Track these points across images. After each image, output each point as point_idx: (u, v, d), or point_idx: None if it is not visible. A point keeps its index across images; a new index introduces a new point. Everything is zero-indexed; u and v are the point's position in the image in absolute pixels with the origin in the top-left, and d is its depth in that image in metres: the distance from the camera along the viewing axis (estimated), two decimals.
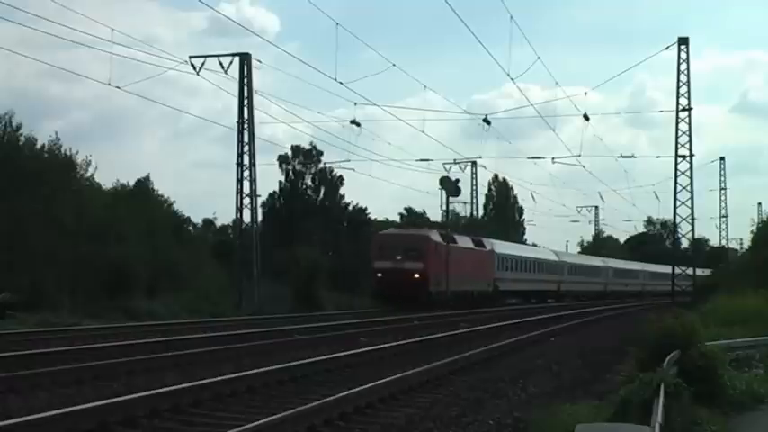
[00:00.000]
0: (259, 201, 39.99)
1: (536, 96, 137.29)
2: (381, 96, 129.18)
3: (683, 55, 45.77)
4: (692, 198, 47.47)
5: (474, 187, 66.18)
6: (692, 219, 48.33)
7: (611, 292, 70.76)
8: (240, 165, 38.92)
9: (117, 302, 27.51)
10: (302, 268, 38.80)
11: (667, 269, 54.04)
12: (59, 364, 13.14)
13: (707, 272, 56.00)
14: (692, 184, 47.11)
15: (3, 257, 26.03)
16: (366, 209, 60.48)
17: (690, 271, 51.17)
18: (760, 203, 76.57)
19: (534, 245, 78.00)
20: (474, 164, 62.96)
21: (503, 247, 52.07)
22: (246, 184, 38.35)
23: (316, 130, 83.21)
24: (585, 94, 65.66)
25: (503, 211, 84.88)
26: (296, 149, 63.14)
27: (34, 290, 25.80)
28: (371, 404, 10.51)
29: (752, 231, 44.71)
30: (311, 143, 61.95)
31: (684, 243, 53.89)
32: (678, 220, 48.82)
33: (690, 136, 46.53)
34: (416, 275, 37.03)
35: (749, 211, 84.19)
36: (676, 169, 47.09)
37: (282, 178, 62.95)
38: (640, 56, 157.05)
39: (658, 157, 71.89)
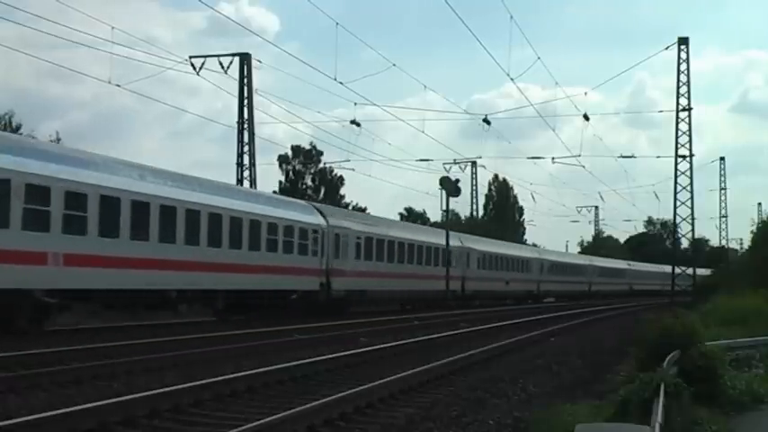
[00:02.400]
0: None
1: (536, 96, 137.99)
2: (381, 96, 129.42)
3: (683, 55, 46.00)
4: (692, 198, 47.66)
5: (474, 187, 66.47)
6: (692, 219, 48.55)
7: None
8: (240, 165, 39.03)
9: None
10: None
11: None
12: (59, 364, 13.15)
13: (707, 272, 56.15)
14: (691, 184, 47.32)
15: None
16: (366, 209, 60.59)
17: (690, 271, 51.29)
18: (760, 203, 77.10)
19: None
20: (474, 164, 63.30)
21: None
22: (246, 184, 38.41)
23: (316, 130, 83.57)
24: (585, 94, 66.64)
25: (503, 211, 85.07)
26: (296, 149, 63.39)
27: None
28: (371, 404, 10.50)
29: (752, 231, 44.87)
30: (311, 143, 62.20)
31: (684, 243, 54.09)
32: (678, 220, 49.00)
33: (690, 136, 46.75)
34: None
35: (749, 211, 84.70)
36: (676, 169, 47.29)
37: (282, 178, 63.17)
38: (640, 56, 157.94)
39: (658, 157, 72.52)
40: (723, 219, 74.25)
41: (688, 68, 46.11)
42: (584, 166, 48.99)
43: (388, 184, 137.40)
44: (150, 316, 23.67)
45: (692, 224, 48.94)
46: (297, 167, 64.10)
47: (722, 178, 73.58)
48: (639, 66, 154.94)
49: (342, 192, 64.47)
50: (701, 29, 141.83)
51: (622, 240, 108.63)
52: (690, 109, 46.45)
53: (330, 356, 15.14)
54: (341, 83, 30.03)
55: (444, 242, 41.29)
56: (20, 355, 13.90)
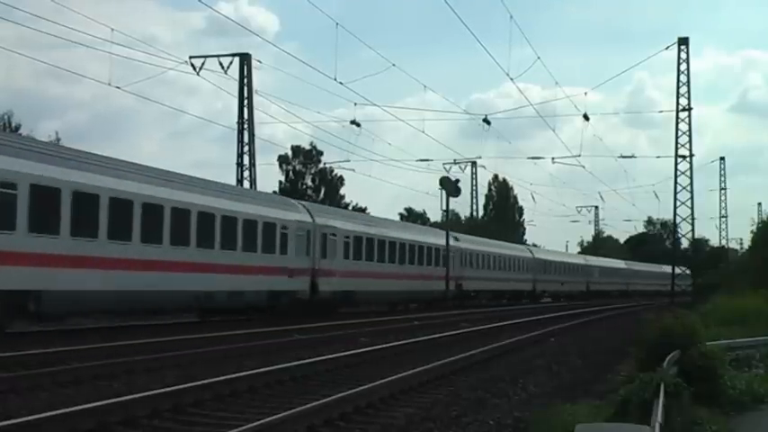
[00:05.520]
0: None
1: (536, 96, 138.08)
2: (381, 96, 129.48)
3: (683, 55, 45.96)
4: (692, 198, 47.64)
5: (474, 187, 66.47)
6: (692, 219, 48.52)
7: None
8: (240, 165, 39.02)
9: None
10: None
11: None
12: (59, 364, 13.15)
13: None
14: (691, 184, 47.29)
15: None
16: (366, 209, 60.58)
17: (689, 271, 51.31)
18: (760, 203, 77.09)
19: None
20: (474, 164, 63.32)
21: None
22: (246, 184, 38.40)
23: (316, 130, 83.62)
24: (585, 94, 66.35)
25: (503, 211, 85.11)
26: (296, 149, 63.37)
27: None
28: (372, 404, 10.51)
29: (752, 231, 44.85)
30: (311, 143, 62.18)
31: (684, 243, 54.06)
32: (678, 220, 48.95)
33: (690, 136, 46.74)
34: None
35: (749, 211, 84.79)
36: (676, 169, 47.27)
37: (282, 178, 63.14)
38: (640, 56, 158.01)
39: (658, 157, 72.55)
40: (723, 219, 74.32)
41: (688, 68, 46.15)
42: (584, 166, 49.09)
43: (388, 184, 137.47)
44: (150, 316, 23.75)
45: (692, 224, 48.96)
46: (297, 167, 64.08)
47: (722, 178, 73.68)
48: (639, 66, 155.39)
49: (342, 192, 64.48)
50: (701, 29, 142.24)
51: (622, 240, 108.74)
52: (690, 109, 46.48)
53: (330, 356, 15.15)
54: (341, 83, 30.06)
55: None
56: (20, 355, 13.90)
